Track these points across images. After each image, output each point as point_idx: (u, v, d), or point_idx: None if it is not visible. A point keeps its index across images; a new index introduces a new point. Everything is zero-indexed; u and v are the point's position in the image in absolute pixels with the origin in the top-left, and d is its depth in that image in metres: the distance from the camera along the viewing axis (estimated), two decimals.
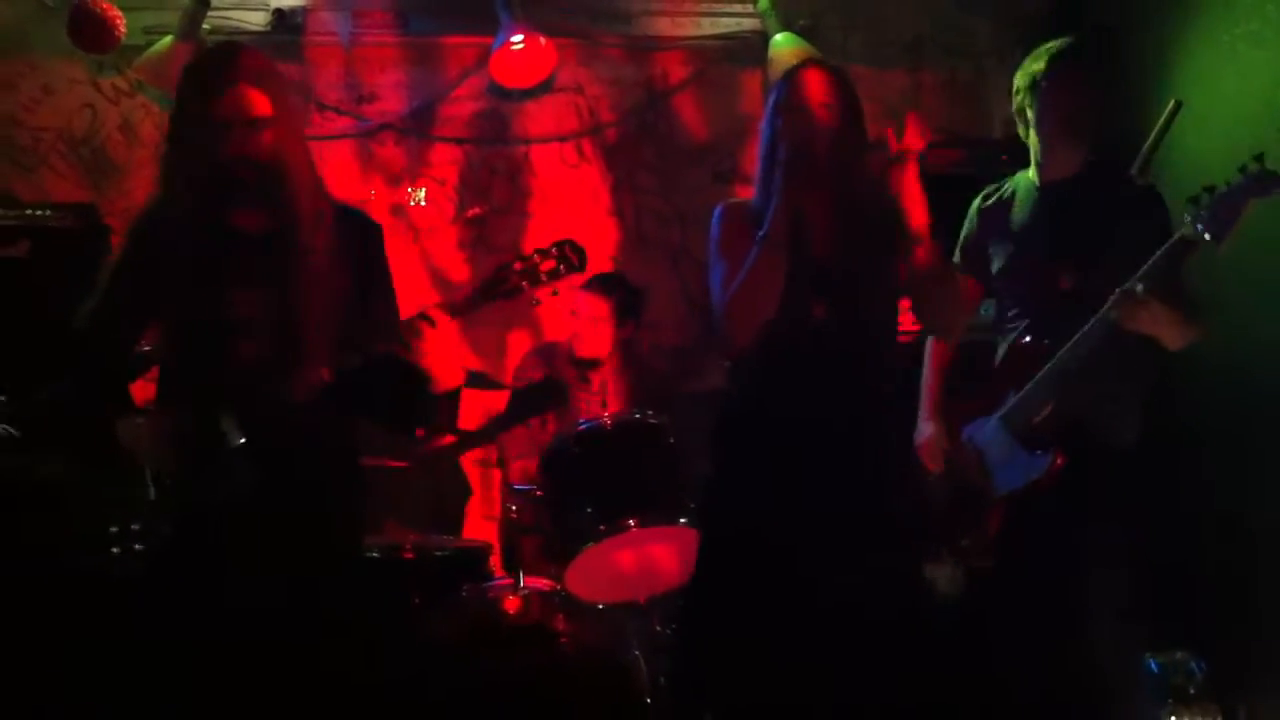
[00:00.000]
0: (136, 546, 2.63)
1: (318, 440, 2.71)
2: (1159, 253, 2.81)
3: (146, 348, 2.94)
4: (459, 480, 4.97)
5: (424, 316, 2.66)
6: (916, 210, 2.81)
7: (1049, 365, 3.02)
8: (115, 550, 2.64)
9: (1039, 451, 3.04)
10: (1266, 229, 3.20)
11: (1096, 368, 2.94)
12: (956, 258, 3.36)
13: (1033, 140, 3.21)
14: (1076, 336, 2.95)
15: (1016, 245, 3.21)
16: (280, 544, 2.63)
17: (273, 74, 2.70)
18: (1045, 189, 3.20)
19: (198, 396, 2.62)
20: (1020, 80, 3.22)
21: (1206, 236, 2.72)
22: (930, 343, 3.43)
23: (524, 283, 2.72)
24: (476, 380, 4.57)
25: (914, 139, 2.83)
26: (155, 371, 2.83)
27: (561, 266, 2.75)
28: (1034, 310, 3.15)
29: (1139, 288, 2.81)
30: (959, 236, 3.40)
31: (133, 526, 2.64)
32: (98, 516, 2.70)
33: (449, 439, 4.21)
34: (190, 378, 2.66)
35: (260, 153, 2.62)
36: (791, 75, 2.96)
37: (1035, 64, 3.18)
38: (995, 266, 3.27)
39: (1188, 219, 2.76)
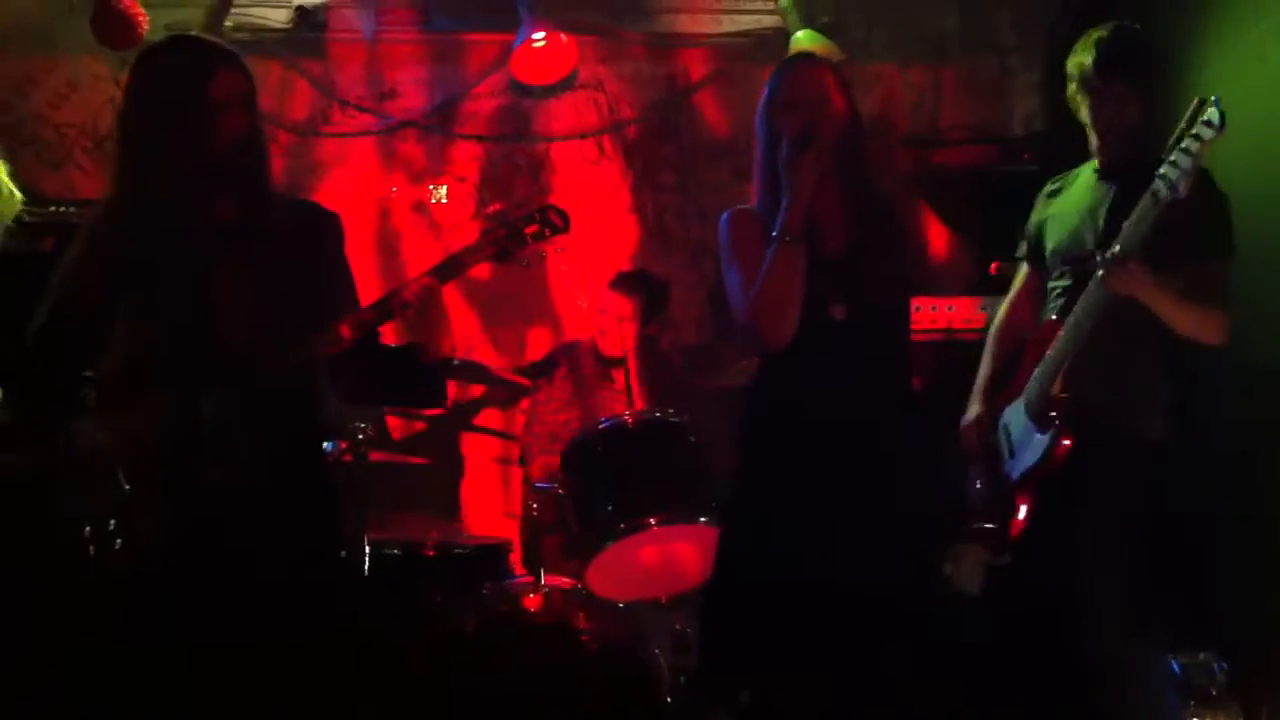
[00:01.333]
0: (116, 544, 2.60)
1: (287, 420, 2.69)
2: (1133, 215, 2.82)
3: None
4: (454, 458, 5.00)
5: (417, 284, 2.70)
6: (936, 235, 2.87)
7: (1056, 341, 3.02)
8: (93, 550, 2.61)
9: (1045, 432, 3.03)
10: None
11: (1097, 339, 2.93)
12: (1022, 249, 3.39)
13: (1089, 129, 3.22)
14: (1075, 308, 2.95)
15: (1069, 228, 3.21)
16: (270, 531, 2.61)
17: (238, 55, 2.69)
18: (1101, 174, 3.20)
19: (177, 387, 2.60)
20: (1072, 70, 3.20)
21: (1164, 190, 2.74)
22: (995, 328, 3.42)
23: (509, 245, 2.76)
24: (468, 370, 4.61)
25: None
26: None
27: (546, 230, 2.81)
28: (1075, 292, 3.11)
29: (1116, 248, 2.83)
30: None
31: (110, 525, 2.60)
32: (71, 519, 2.65)
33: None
34: (169, 370, 2.61)
35: (246, 134, 2.63)
36: (782, 73, 2.96)
37: (1084, 56, 3.16)
38: (1048, 249, 3.27)
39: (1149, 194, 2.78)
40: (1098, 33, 3.17)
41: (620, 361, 4.49)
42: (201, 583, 2.57)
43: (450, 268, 2.75)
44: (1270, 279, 3.43)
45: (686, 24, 5.19)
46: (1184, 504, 3.27)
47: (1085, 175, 3.26)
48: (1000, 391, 3.29)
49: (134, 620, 2.58)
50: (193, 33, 3.29)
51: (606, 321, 4.49)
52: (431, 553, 3.82)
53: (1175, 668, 3.35)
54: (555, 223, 2.82)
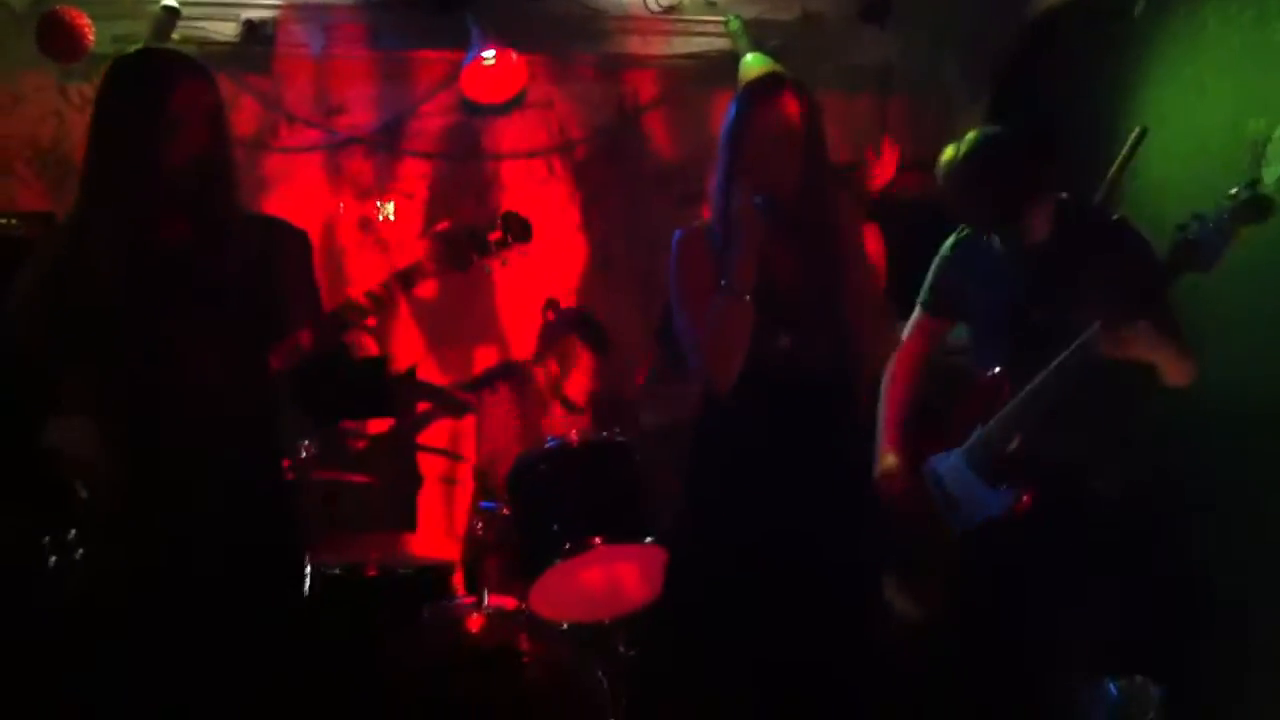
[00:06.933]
0: (76, 554, 2.57)
1: (247, 445, 2.69)
2: (1143, 281, 2.79)
3: None
4: (411, 470, 4.95)
5: (370, 294, 2.70)
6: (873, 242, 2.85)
7: (1017, 398, 3.00)
8: (53, 560, 2.57)
9: (1002, 488, 3.03)
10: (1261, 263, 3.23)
11: (1070, 402, 2.92)
12: (926, 295, 3.40)
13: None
14: (1048, 369, 2.92)
15: (988, 282, 3.20)
16: (224, 554, 2.61)
17: (208, 71, 2.68)
18: (1018, 243, 3.17)
19: (135, 405, 2.59)
20: (954, 167, 3.26)
21: (1193, 267, 2.67)
22: (888, 374, 3.40)
23: (472, 253, 2.80)
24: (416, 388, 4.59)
25: (886, 169, 2.89)
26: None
27: (508, 237, 2.86)
28: (1004, 345, 3.13)
29: (1119, 317, 2.77)
30: (923, 261, 3.42)
31: (70, 534, 2.57)
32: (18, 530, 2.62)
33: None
34: (127, 389, 2.60)
35: (206, 148, 2.61)
36: (750, 97, 2.87)
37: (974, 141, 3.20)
38: (968, 303, 3.28)
39: (1174, 247, 2.70)
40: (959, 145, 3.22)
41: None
42: (161, 609, 2.55)
43: (412, 274, 2.76)
44: (1212, 304, 3.48)
45: (637, 45, 5.19)
46: (1123, 531, 3.31)
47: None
48: (919, 436, 3.30)
49: (91, 644, 2.57)
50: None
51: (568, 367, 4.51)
52: (373, 573, 3.78)
53: (1113, 690, 3.38)
54: (518, 230, 2.86)
